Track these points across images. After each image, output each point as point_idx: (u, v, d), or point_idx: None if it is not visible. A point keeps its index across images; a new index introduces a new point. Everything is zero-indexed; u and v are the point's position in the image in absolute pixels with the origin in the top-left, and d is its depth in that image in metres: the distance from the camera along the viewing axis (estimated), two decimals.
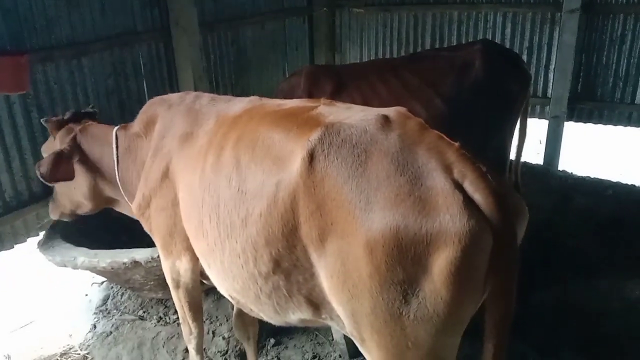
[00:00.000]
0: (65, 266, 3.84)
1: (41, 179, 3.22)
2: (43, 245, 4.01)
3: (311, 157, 2.05)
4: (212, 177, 2.49)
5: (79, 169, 3.30)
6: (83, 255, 3.75)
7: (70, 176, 3.27)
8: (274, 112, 2.50)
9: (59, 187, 3.55)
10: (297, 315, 2.38)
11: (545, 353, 3.78)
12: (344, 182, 1.95)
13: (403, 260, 1.81)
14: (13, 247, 4.84)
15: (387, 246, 1.81)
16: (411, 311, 1.85)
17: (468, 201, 1.78)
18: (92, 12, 5.21)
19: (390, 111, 2.15)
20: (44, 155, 3.49)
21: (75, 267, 3.80)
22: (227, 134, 2.56)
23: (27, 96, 4.66)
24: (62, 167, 3.21)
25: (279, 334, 4.05)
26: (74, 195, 3.49)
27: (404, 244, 1.80)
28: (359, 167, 1.95)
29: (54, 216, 3.82)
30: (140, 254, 3.61)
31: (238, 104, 2.82)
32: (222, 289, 2.73)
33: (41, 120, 3.46)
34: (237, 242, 2.34)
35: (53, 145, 3.42)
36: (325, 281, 2.09)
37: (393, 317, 1.88)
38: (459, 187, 1.80)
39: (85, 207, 3.55)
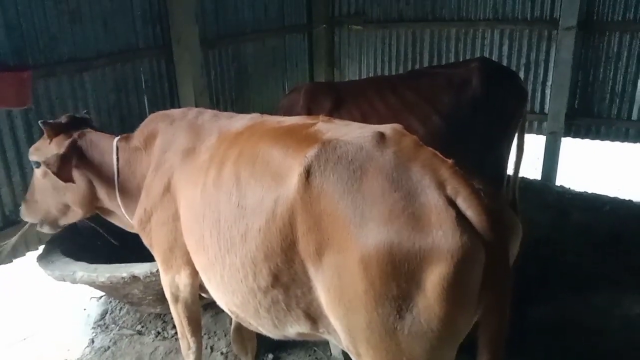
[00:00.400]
0: (64, 280, 3.85)
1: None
2: (42, 259, 4.02)
3: (308, 173, 2.09)
4: (213, 192, 2.53)
5: (75, 175, 3.23)
6: (82, 269, 3.76)
7: (70, 180, 3.17)
8: (273, 129, 2.55)
9: (43, 191, 3.40)
10: (295, 329, 2.40)
11: None
12: (339, 198, 1.99)
13: (397, 276, 1.83)
14: (12, 262, 4.85)
15: (381, 262, 1.84)
16: (406, 326, 1.87)
17: (461, 218, 1.81)
18: (95, 28, 5.28)
19: (386, 128, 2.19)
20: (32, 156, 3.35)
21: (74, 282, 3.81)
22: (229, 150, 2.60)
23: (28, 111, 4.71)
24: (66, 169, 3.14)
25: (278, 349, 4.05)
26: (62, 200, 3.37)
27: (397, 260, 1.82)
28: (354, 183, 1.98)
29: (26, 219, 3.59)
30: (139, 269, 3.62)
31: (239, 121, 2.86)
32: (221, 303, 2.75)
33: (39, 122, 3.34)
34: (236, 256, 2.37)
35: (47, 148, 3.30)
36: (323, 295, 2.12)
37: (388, 332, 1.90)
38: (452, 203, 1.83)
39: (75, 213, 3.44)
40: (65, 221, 3.55)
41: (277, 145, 2.36)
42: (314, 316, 2.27)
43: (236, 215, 2.37)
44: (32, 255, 4.73)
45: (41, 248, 4.32)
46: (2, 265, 4.72)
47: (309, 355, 4.04)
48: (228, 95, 7.04)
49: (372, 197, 1.93)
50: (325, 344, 3.96)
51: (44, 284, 5.09)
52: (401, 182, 1.91)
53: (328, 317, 2.17)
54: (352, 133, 2.20)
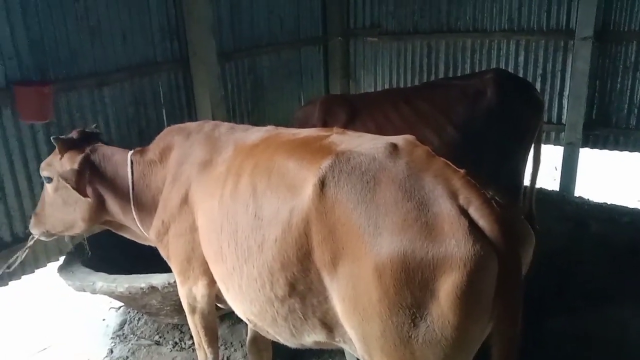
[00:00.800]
0: (84, 291, 3.91)
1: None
2: (63, 270, 4.09)
3: (322, 184, 2.12)
4: (230, 203, 2.57)
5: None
6: (102, 280, 3.82)
7: (86, 194, 3.17)
8: (288, 141, 2.59)
9: (52, 204, 3.42)
10: (312, 337, 2.43)
11: None
12: (353, 208, 2.02)
13: (411, 285, 1.85)
14: (34, 272, 4.95)
15: (395, 270, 1.86)
16: (420, 335, 1.89)
17: (473, 227, 1.83)
18: (114, 43, 5.41)
19: (399, 139, 2.22)
20: (44, 172, 3.38)
21: (94, 292, 3.88)
22: (245, 162, 2.64)
23: (50, 125, 4.82)
24: (81, 183, 3.15)
25: (293, 359, 4.06)
26: (71, 213, 3.37)
27: (411, 269, 1.85)
28: (367, 193, 2.01)
29: (34, 231, 3.60)
30: (157, 280, 3.67)
31: (255, 133, 2.91)
32: (239, 312, 2.79)
33: (51, 138, 3.37)
34: (254, 266, 2.41)
35: (58, 163, 3.32)
36: (338, 304, 2.14)
37: (402, 340, 1.92)
38: (464, 213, 1.85)
39: (79, 227, 3.44)
40: (69, 233, 3.58)
41: (292, 157, 2.40)
42: (330, 325, 2.29)
43: (253, 226, 2.41)
44: (52, 266, 4.83)
45: (61, 259, 4.40)
46: (25, 276, 4.82)
47: None
48: (244, 107, 7.12)
49: (385, 207, 1.95)
50: (342, 354, 3.95)
51: (63, 295, 5.17)
52: (414, 191, 1.94)
53: (343, 325, 2.19)
54: (365, 144, 2.23)
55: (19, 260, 3.70)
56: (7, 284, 4.77)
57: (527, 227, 2.09)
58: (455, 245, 1.80)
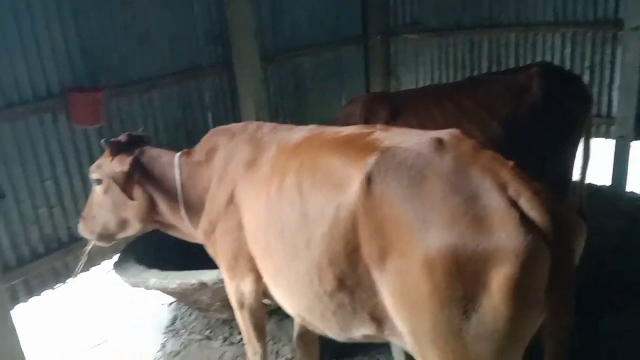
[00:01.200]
0: (138, 287, 4.06)
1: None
2: (118, 266, 4.26)
3: (369, 180, 2.15)
4: (276, 202, 2.62)
5: (135, 191, 3.35)
6: (155, 276, 3.96)
7: (130, 197, 3.30)
8: (332, 139, 2.63)
9: (102, 206, 3.49)
10: (361, 331, 2.45)
11: None
12: (400, 203, 2.04)
13: (462, 278, 1.86)
14: (89, 270, 5.16)
15: (445, 264, 1.88)
16: (471, 327, 1.89)
17: (524, 218, 1.82)
18: (162, 49, 5.59)
19: (444, 134, 2.23)
20: (94, 174, 3.44)
21: (147, 288, 4.02)
22: (289, 160, 2.69)
23: (102, 129, 5.02)
24: (130, 185, 3.27)
25: (341, 356, 4.09)
26: (122, 215, 3.44)
27: (462, 262, 1.85)
28: (414, 189, 2.03)
29: (84, 235, 3.68)
30: (208, 276, 3.77)
31: (298, 132, 2.95)
32: (288, 308, 2.84)
33: (100, 141, 3.48)
34: (302, 263, 2.45)
35: (108, 165, 3.41)
36: (387, 299, 2.16)
37: (454, 333, 1.93)
38: (514, 205, 1.85)
39: (133, 228, 3.53)
40: (122, 235, 3.64)
41: (337, 154, 2.44)
42: (379, 319, 2.31)
43: (300, 224, 2.46)
44: (107, 264, 5.03)
45: (115, 257, 4.58)
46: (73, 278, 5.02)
47: None
48: (287, 108, 7.21)
49: (432, 202, 1.96)
50: (389, 351, 3.96)
51: (116, 292, 5.37)
52: (461, 185, 1.94)
53: (393, 319, 2.21)
54: (410, 140, 2.25)
55: (81, 266, 3.82)
56: (65, 282, 5.00)
57: (578, 218, 2.06)
58: (507, 238, 1.79)
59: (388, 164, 2.15)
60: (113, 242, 3.75)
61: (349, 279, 2.28)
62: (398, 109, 4.50)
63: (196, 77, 5.99)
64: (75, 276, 3.90)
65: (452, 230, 1.89)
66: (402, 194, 2.04)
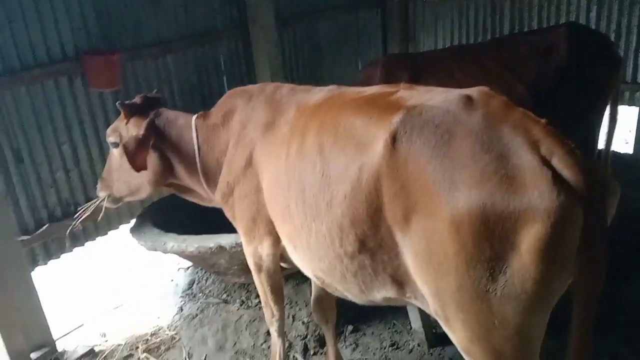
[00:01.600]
0: (155, 250, 4.07)
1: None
2: (135, 231, 4.26)
3: (394, 140, 2.08)
4: (296, 163, 2.57)
5: (151, 153, 3.30)
6: (172, 240, 3.95)
7: (144, 163, 3.21)
8: (354, 99, 2.55)
9: (118, 169, 3.48)
10: (382, 293, 2.42)
11: (638, 351, 3.59)
12: (427, 163, 1.97)
13: (490, 237, 1.80)
14: (107, 234, 5.20)
15: (474, 224, 1.82)
16: (498, 288, 1.84)
17: (557, 177, 1.75)
18: (176, 12, 5.50)
19: (473, 91, 2.14)
20: (110, 137, 3.43)
21: (165, 252, 4.03)
22: (309, 122, 2.62)
23: (118, 92, 4.98)
24: (142, 153, 3.20)
25: (357, 321, 4.10)
26: (137, 177, 3.38)
27: (491, 221, 1.79)
28: (442, 147, 1.96)
29: (101, 194, 3.67)
30: (226, 240, 3.76)
31: (317, 94, 2.88)
32: (307, 270, 2.81)
33: (116, 103, 3.43)
34: (322, 223, 2.41)
35: (124, 128, 3.37)
36: (410, 260, 2.12)
37: (479, 294, 1.88)
38: (547, 163, 1.77)
39: (145, 191, 3.51)
40: (132, 197, 3.65)
41: (359, 114, 2.36)
42: (400, 281, 2.27)
43: (321, 184, 2.41)
44: (124, 229, 5.05)
45: (132, 221, 4.59)
46: (91, 241, 5.06)
47: (389, 328, 4.06)
48: (302, 73, 7.10)
49: (461, 161, 1.89)
50: (405, 316, 3.96)
51: (134, 256, 5.42)
52: (492, 143, 1.87)
53: (415, 281, 2.17)
54: (436, 97, 2.16)
55: (84, 216, 3.75)
56: (83, 245, 5.04)
57: (611, 177, 1.99)
58: (539, 197, 1.73)
59: (414, 122, 2.07)
60: (119, 204, 3.76)
61: (371, 240, 2.23)
62: (419, 71, 4.40)
63: (211, 40, 5.90)
64: (76, 223, 3.83)
65: (481, 189, 1.82)
66: (429, 153, 1.98)
